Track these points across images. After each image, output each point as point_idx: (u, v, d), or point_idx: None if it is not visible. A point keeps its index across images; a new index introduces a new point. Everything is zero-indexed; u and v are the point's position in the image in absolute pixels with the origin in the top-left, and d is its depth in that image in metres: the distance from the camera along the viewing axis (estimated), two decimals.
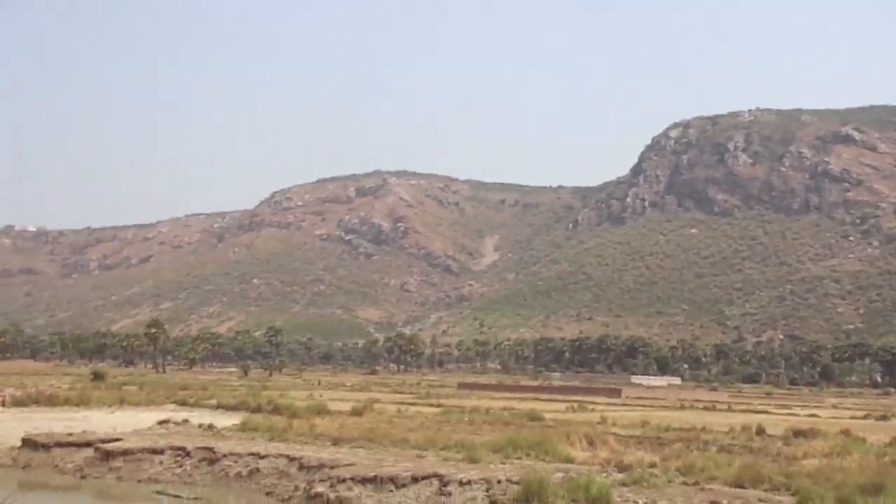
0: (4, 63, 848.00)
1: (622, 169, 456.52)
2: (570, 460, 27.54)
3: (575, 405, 62.23)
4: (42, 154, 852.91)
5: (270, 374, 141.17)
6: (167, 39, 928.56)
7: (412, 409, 52.72)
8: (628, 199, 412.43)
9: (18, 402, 51.86)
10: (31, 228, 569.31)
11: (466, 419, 44.94)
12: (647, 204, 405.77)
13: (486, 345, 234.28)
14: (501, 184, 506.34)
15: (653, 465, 25.33)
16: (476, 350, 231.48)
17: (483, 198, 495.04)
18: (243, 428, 37.52)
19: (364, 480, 24.80)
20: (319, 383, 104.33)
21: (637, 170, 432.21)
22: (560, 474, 23.10)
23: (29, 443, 34.36)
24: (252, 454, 30.01)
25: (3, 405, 50.91)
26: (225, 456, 30.25)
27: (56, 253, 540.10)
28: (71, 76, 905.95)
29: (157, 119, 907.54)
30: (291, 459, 28.81)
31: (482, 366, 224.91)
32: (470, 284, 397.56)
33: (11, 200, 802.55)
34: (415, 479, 24.28)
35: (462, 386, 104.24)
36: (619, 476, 23.55)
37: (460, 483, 23.42)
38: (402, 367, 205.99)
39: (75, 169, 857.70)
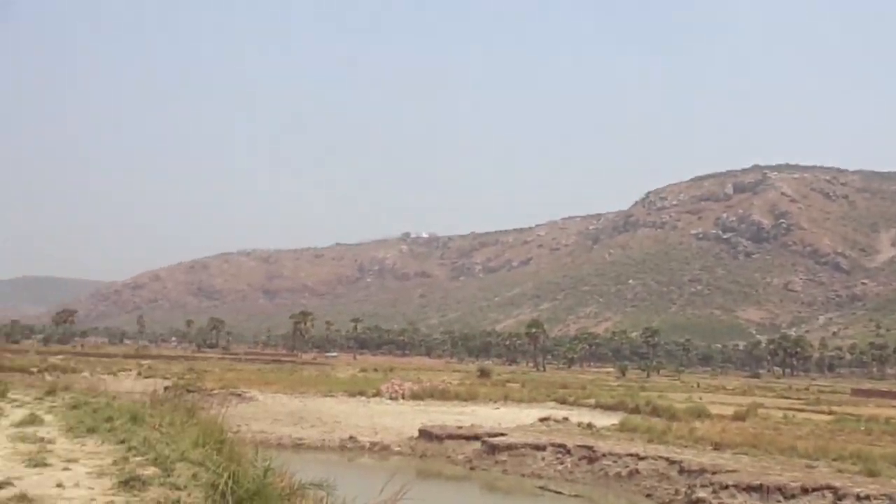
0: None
1: None
2: None
3: None
4: (433, 168, 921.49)
5: (648, 375, 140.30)
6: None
7: (800, 415, 49.60)
8: None
9: (415, 396, 56.08)
10: (425, 235, 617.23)
11: (863, 428, 41.42)
12: None
13: (885, 348, 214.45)
14: None
15: None
16: (872, 354, 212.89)
17: (877, 189, 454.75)
18: (622, 428, 37.53)
19: (748, 489, 23.72)
20: (698, 386, 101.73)
21: None
22: None
23: (425, 433, 37.03)
24: (631, 455, 29.91)
25: (403, 398, 55.34)
26: (604, 455, 30.45)
27: (446, 257, 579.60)
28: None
29: (535, 128, 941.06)
30: (671, 462, 28.31)
31: (879, 371, 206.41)
32: (863, 283, 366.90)
33: (409, 210, 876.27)
34: (805, 491, 22.79)
35: (857, 392, 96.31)
36: None
37: (857, 497, 21.61)
38: (788, 370, 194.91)
39: (462, 179, 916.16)
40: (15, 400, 22.49)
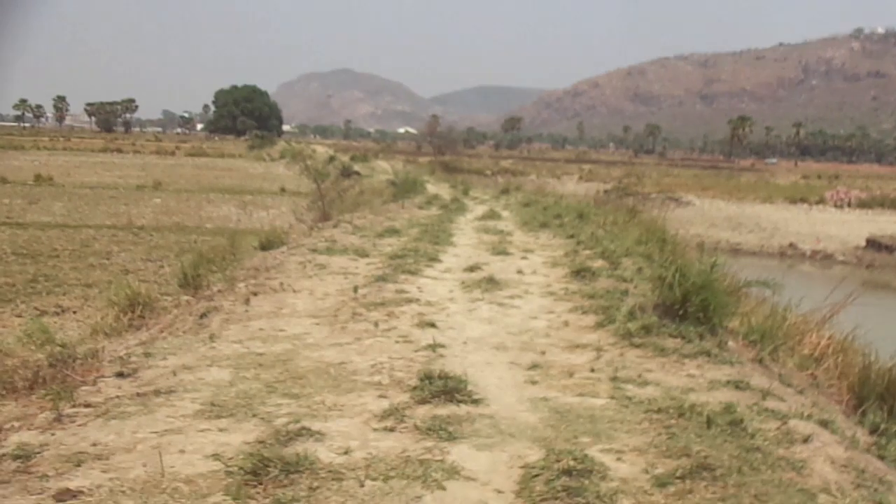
0: None
1: None
2: None
3: None
4: None
5: None
6: None
7: None
8: None
9: (863, 204, 52.49)
10: (880, 30, 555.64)
11: None
12: None
13: None
14: None
15: None
16: None
17: None
18: None
19: None
20: None
21: None
22: None
23: (872, 243, 34.90)
24: None
25: (849, 206, 52.12)
26: None
27: None
28: None
29: None
30: None
31: None
32: None
33: (861, 2, 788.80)
34: None
35: None
36: None
37: None
38: None
39: None
40: (476, 198, 24.85)
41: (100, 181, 39.44)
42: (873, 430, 5.58)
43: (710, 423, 4.91)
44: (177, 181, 41.66)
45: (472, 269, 10.50)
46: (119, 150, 75.23)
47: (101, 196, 32.31)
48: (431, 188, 27.25)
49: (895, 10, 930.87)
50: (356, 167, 40.31)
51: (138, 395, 5.83)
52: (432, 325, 7.46)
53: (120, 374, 6.35)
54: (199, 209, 29.78)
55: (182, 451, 4.81)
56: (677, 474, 4.30)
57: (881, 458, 4.93)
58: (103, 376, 6.36)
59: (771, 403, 5.44)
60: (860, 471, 4.45)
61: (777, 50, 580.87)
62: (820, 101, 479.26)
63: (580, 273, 10.13)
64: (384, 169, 44.33)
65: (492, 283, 9.50)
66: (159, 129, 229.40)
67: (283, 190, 37.95)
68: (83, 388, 6.08)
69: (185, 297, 10.63)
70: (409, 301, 8.43)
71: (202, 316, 8.11)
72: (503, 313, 8.11)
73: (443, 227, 15.38)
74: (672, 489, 4.21)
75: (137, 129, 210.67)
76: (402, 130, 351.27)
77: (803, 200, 54.00)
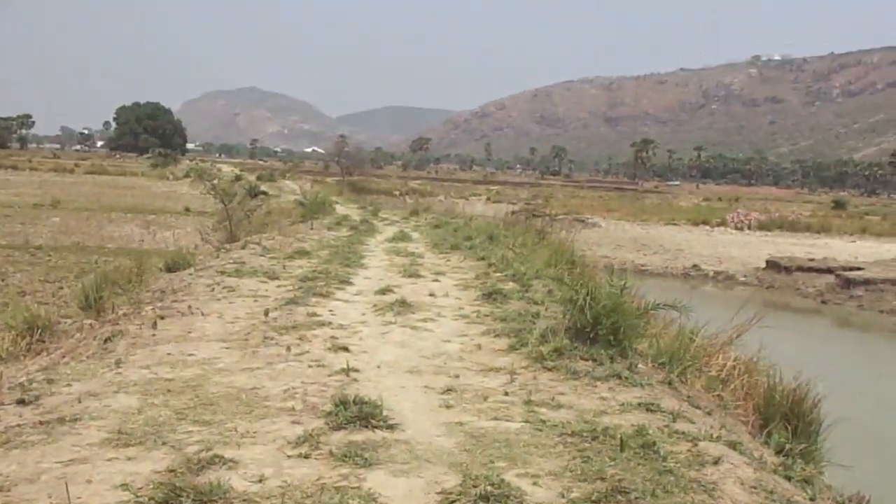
0: None
1: None
2: None
3: None
4: None
5: None
6: None
7: None
8: None
9: (762, 226, 54.29)
10: (777, 57, 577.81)
11: None
12: None
13: None
14: None
15: None
16: None
17: None
18: None
19: None
20: None
21: None
22: None
23: (773, 264, 36.07)
24: None
25: (749, 228, 53.81)
26: None
27: (800, 81, 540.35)
28: None
29: None
30: None
31: None
32: None
33: (758, 30, 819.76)
34: None
35: None
36: None
37: None
38: None
39: None
40: (385, 218, 24.82)
41: None
42: (779, 451, 5.74)
43: (623, 445, 4.97)
44: (76, 199, 40.46)
45: (383, 291, 10.47)
46: (14, 168, 72.76)
47: None
48: (340, 209, 27.11)
49: (790, 39, 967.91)
50: (263, 187, 39.78)
51: (41, 423, 5.62)
52: (345, 349, 7.40)
53: (21, 402, 6.11)
54: (100, 229, 28.99)
55: (89, 482, 4.65)
56: (593, 498, 4.34)
57: (788, 478, 5.07)
58: (2, 404, 6.11)
59: (681, 425, 5.54)
60: (769, 492, 4.56)
61: (678, 75, 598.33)
62: (720, 125, 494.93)
63: (492, 296, 10.21)
64: (292, 189, 43.99)
65: (404, 305, 9.49)
66: (57, 146, 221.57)
67: (187, 210, 37.21)
68: None
69: (88, 321, 10.32)
70: (321, 324, 8.36)
71: (107, 340, 7.89)
72: (416, 336, 8.10)
73: (353, 248, 15.33)
74: None
75: (34, 145, 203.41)
76: (309, 150, 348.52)
77: (705, 223, 55.56)
